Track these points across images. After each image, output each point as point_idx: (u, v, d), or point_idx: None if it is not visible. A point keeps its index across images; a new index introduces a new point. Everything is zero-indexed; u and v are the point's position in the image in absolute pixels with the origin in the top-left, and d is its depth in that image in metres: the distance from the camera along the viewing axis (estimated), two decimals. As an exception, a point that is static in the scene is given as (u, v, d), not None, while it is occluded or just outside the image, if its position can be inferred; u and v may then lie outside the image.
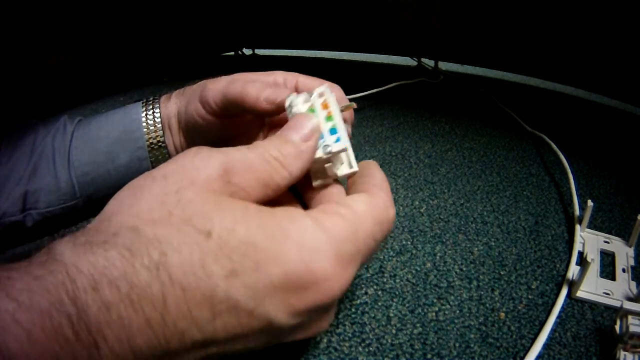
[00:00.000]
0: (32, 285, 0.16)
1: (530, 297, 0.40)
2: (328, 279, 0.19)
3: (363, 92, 0.79)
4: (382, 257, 0.45)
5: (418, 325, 0.37)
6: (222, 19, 1.06)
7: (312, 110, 0.25)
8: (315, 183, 0.25)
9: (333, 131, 0.25)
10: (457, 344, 0.35)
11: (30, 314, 0.15)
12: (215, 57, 1.16)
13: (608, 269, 0.43)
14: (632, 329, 0.32)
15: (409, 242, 0.47)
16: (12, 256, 0.40)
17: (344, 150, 0.24)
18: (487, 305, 0.39)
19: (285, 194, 0.24)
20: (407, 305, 0.39)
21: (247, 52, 1.17)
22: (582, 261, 0.40)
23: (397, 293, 0.41)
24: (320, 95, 0.26)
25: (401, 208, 0.53)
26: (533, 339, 0.36)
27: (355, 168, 0.25)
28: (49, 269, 0.16)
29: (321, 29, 1.05)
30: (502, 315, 0.38)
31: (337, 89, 0.29)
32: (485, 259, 0.45)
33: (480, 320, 0.38)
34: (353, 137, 0.25)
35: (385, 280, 0.42)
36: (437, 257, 0.45)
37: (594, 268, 0.42)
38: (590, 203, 0.45)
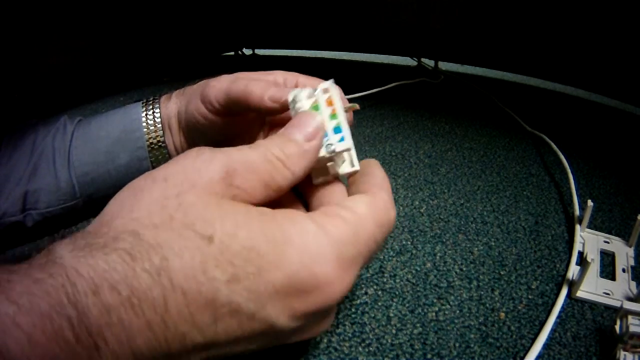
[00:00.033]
0: (32, 288, 0.16)
1: (530, 297, 0.40)
2: (330, 282, 0.19)
3: (363, 92, 0.79)
4: (382, 257, 0.45)
5: (418, 325, 0.37)
6: (222, 19, 1.06)
7: (315, 106, 0.25)
8: (316, 181, 0.25)
9: (337, 130, 0.24)
10: (457, 344, 0.35)
11: (30, 317, 0.15)
12: (215, 57, 1.16)
13: (608, 269, 0.43)
14: (632, 329, 0.32)
15: (409, 242, 0.47)
16: (12, 256, 0.40)
17: (348, 150, 0.24)
18: (487, 305, 0.39)
19: (286, 193, 0.24)
20: (407, 305, 0.39)
21: (247, 52, 1.17)
22: (582, 261, 0.40)
23: (397, 293, 0.41)
24: (325, 91, 0.25)
25: (401, 208, 0.53)
26: (533, 339, 0.36)
27: (357, 167, 0.25)
28: (48, 272, 0.16)
29: (321, 29, 1.05)
30: (502, 315, 0.38)
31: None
32: (485, 259, 0.45)
33: (480, 320, 0.38)
34: (353, 137, 0.25)
35: (385, 280, 0.42)
36: (437, 257, 0.45)
37: (594, 268, 0.42)
38: (590, 203, 0.45)
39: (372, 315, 0.38)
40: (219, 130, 0.31)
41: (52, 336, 0.15)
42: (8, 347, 0.14)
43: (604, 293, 0.40)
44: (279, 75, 0.30)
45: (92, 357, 0.16)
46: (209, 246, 0.18)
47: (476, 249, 0.46)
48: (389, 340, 0.36)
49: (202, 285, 0.17)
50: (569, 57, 0.79)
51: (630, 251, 0.45)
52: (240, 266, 0.18)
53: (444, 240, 0.47)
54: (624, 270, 0.42)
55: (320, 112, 0.24)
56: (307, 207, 0.26)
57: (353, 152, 0.25)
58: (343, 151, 0.24)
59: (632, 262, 0.44)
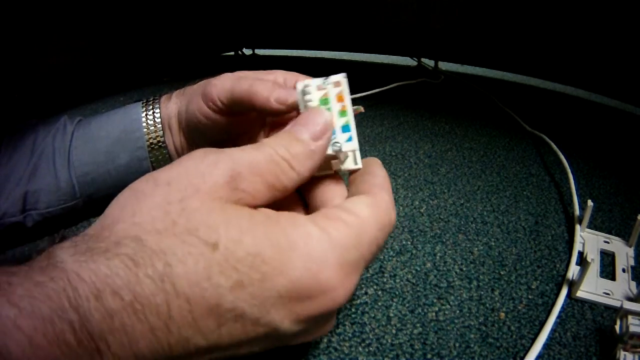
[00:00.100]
0: (33, 292, 0.16)
1: (530, 297, 0.40)
2: (334, 287, 0.19)
3: (363, 92, 0.79)
4: (382, 257, 0.45)
5: (418, 325, 0.37)
6: (222, 19, 1.06)
7: (325, 100, 0.24)
8: (316, 174, 0.24)
9: (345, 128, 0.24)
10: (457, 344, 0.35)
11: (31, 320, 0.15)
12: (215, 57, 1.16)
13: (608, 269, 0.43)
14: (632, 329, 0.32)
15: (409, 242, 0.47)
16: (12, 257, 0.40)
17: (354, 150, 0.24)
18: (487, 305, 0.39)
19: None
20: (407, 305, 0.39)
21: (247, 52, 1.17)
22: (582, 261, 0.40)
23: (397, 293, 0.41)
24: (336, 84, 0.24)
25: (401, 208, 0.53)
26: (533, 339, 0.36)
27: (360, 165, 0.25)
28: (49, 275, 0.16)
29: (321, 29, 1.05)
30: (502, 315, 0.38)
31: None
32: (485, 259, 0.45)
33: (480, 320, 0.38)
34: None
35: (385, 280, 0.42)
36: (437, 257, 0.45)
37: (594, 268, 0.42)
38: (590, 203, 0.45)
39: (372, 315, 0.38)
40: (220, 129, 0.31)
41: (54, 339, 0.15)
42: (9, 349, 0.14)
43: (604, 293, 0.40)
44: (279, 75, 0.30)
45: None
46: (213, 253, 0.18)
47: (476, 249, 0.46)
48: (389, 340, 0.36)
49: (206, 292, 0.17)
50: (569, 57, 0.79)
51: (630, 251, 0.45)
52: (245, 272, 0.18)
53: (444, 240, 0.47)
54: (624, 270, 0.42)
55: (329, 107, 0.24)
56: (306, 204, 0.26)
57: (357, 151, 0.25)
58: (349, 151, 0.24)
59: (632, 262, 0.44)
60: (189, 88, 0.33)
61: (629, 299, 0.38)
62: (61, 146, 0.33)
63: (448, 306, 0.39)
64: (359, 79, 0.96)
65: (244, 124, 0.31)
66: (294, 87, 0.29)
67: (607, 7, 0.69)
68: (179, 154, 0.34)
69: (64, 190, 0.33)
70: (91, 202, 0.34)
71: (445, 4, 0.88)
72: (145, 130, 0.33)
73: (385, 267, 0.44)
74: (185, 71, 1.04)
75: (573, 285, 0.40)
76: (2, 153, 0.34)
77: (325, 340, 0.36)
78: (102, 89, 0.93)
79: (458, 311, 0.39)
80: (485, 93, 0.86)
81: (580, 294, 0.40)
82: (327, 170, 0.25)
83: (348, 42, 1.05)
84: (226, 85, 0.28)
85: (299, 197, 0.26)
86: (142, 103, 0.34)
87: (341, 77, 0.24)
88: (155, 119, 0.33)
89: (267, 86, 0.27)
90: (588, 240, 0.46)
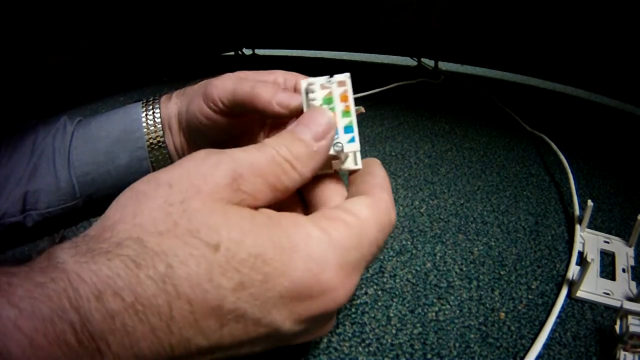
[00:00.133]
0: (33, 292, 0.16)
1: (530, 297, 0.40)
2: (335, 288, 0.19)
3: (363, 92, 0.79)
4: (382, 257, 0.45)
5: (418, 325, 0.37)
6: (222, 19, 1.06)
7: (329, 99, 0.24)
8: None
9: (348, 129, 0.23)
10: (457, 344, 0.36)
11: (32, 320, 0.15)
12: (215, 57, 1.16)
13: (608, 269, 0.43)
14: (632, 329, 0.32)
15: (409, 242, 0.47)
16: (12, 257, 0.40)
17: (356, 151, 0.24)
18: (487, 305, 0.39)
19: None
20: (407, 305, 0.39)
21: (247, 52, 1.17)
22: (582, 261, 0.40)
23: (397, 293, 0.41)
24: (340, 84, 0.24)
25: (401, 208, 0.53)
26: (533, 339, 0.36)
27: (360, 166, 0.25)
28: (50, 276, 0.16)
29: (321, 29, 1.05)
30: (502, 315, 0.38)
31: None
32: (485, 259, 0.45)
33: (480, 320, 0.38)
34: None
35: (385, 280, 0.42)
36: (437, 257, 0.45)
37: (594, 268, 0.42)
38: (590, 203, 0.45)
39: (372, 315, 0.38)
40: (221, 130, 0.31)
41: (54, 340, 0.15)
42: (9, 350, 0.14)
43: (604, 293, 0.40)
44: (279, 75, 0.30)
45: None
46: (215, 254, 0.18)
47: (476, 249, 0.46)
48: (389, 340, 0.36)
49: (208, 293, 0.17)
50: (569, 57, 0.79)
51: (630, 251, 0.45)
52: (247, 273, 0.18)
53: (444, 240, 0.47)
54: (624, 270, 0.42)
55: (332, 106, 0.23)
56: (305, 203, 0.26)
57: (358, 152, 0.25)
58: (351, 152, 0.24)
59: (632, 262, 0.44)
60: (189, 88, 0.33)
61: (629, 299, 0.38)
62: (61, 146, 0.33)
63: (448, 306, 0.39)
64: (359, 79, 0.96)
65: (245, 124, 0.31)
66: (295, 90, 0.30)
67: (607, 7, 0.69)
68: (179, 154, 0.34)
69: (64, 190, 0.33)
70: (91, 202, 0.34)
71: (445, 4, 0.88)
72: (145, 130, 0.33)
73: (385, 267, 0.44)
74: (185, 71, 1.04)
75: (573, 285, 0.40)
76: (2, 153, 0.34)
77: (325, 340, 0.36)
78: (102, 89, 0.93)
79: (458, 311, 0.39)
80: (485, 93, 0.86)
81: (580, 294, 0.40)
82: (327, 169, 0.25)
83: (348, 42, 1.05)
84: (227, 86, 0.28)
85: (297, 196, 0.26)
86: (142, 103, 0.34)
87: (345, 77, 0.24)
88: (155, 119, 0.33)
89: (270, 89, 0.27)
90: (588, 240, 0.46)
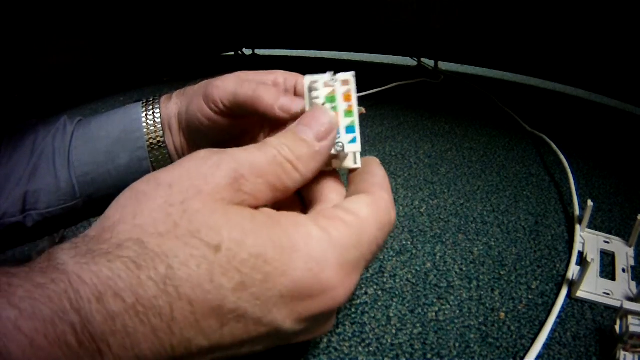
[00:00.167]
0: (33, 293, 0.16)
1: (530, 297, 0.40)
2: (334, 287, 0.19)
3: (363, 92, 0.79)
4: (382, 257, 0.45)
5: (418, 325, 0.37)
6: (222, 19, 1.06)
7: (332, 97, 0.23)
8: None
9: (350, 129, 0.23)
10: (457, 344, 0.36)
11: (32, 321, 0.15)
12: (215, 57, 1.16)
13: (608, 269, 0.43)
14: (632, 329, 0.32)
15: (409, 242, 0.47)
16: (12, 257, 0.40)
17: (357, 152, 0.24)
18: (487, 305, 0.39)
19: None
20: (407, 305, 0.39)
21: (247, 52, 1.17)
22: (582, 261, 0.40)
23: (397, 293, 0.41)
24: (344, 82, 0.23)
25: (401, 208, 0.53)
26: (533, 339, 0.36)
27: (359, 165, 0.25)
28: (50, 277, 0.16)
29: (321, 29, 1.05)
30: (502, 315, 0.38)
31: None
32: (485, 259, 0.45)
33: (480, 320, 0.38)
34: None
35: (385, 280, 0.42)
36: (437, 257, 0.45)
37: (594, 268, 0.42)
38: (590, 203, 0.45)
39: (372, 315, 0.38)
40: (221, 130, 0.31)
41: (55, 341, 0.15)
42: (10, 351, 0.14)
43: (604, 293, 0.40)
44: (279, 75, 0.30)
45: None
46: (216, 254, 0.18)
47: (476, 249, 0.46)
48: (389, 340, 0.36)
49: (209, 294, 0.17)
50: (569, 57, 0.79)
51: (630, 251, 0.45)
52: (248, 273, 0.18)
53: (444, 240, 0.47)
54: (624, 270, 0.42)
55: (335, 105, 0.23)
56: (302, 200, 0.26)
57: (358, 152, 0.25)
58: (351, 152, 0.24)
59: (632, 262, 0.44)
60: (190, 88, 0.33)
61: (629, 299, 0.38)
62: (61, 146, 0.33)
63: (448, 306, 0.39)
64: (359, 78, 0.96)
65: (245, 124, 0.31)
66: (295, 91, 0.30)
67: (607, 7, 0.69)
68: (179, 154, 0.34)
69: (64, 190, 0.33)
70: (91, 202, 0.34)
71: (445, 4, 0.88)
72: (145, 130, 0.33)
73: (385, 267, 0.44)
74: (185, 71, 1.04)
75: (573, 285, 0.40)
76: (2, 153, 0.34)
77: (325, 340, 0.36)
78: (102, 89, 0.93)
79: (458, 311, 0.39)
80: (485, 93, 0.86)
81: (580, 294, 0.40)
82: (326, 167, 0.25)
83: (348, 42, 1.05)
84: (229, 87, 0.28)
85: (296, 195, 0.26)
86: (142, 103, 0.34)
87: (350, 76, 0.24)
88: (155, 119, 0.33)
89: (272, 92, 0.27)
90: (588, 240, 0.46)
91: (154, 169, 0.33)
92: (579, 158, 0.63)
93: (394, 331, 0.37)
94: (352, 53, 1.12)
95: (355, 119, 0.24)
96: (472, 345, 0.35)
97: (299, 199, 0.26)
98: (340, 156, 0.24)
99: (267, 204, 0.21)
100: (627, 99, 0.77)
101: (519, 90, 0.91)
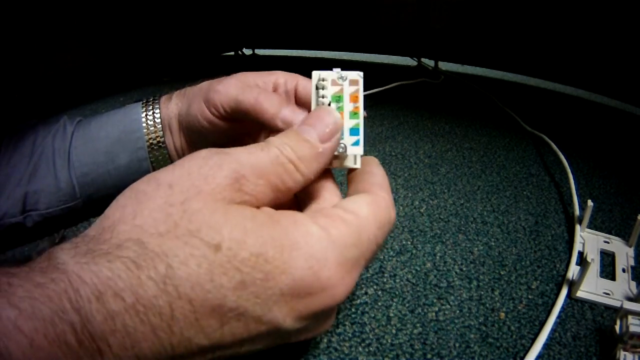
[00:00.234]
0: (33, 293, 0.16)
1: (530, 297, 0.40)
2: (334, 285, 0.19)
3: (363, 92, 0.79)
4: (382, 257, 0.45)
5: (418, 325, 0.37)
6: (222, 19, 1.06)
7: (339, 97, 0.23)
8: None
9: (354, 131, 0.23)
10: (457, 344, 0.36)
11: (32, 321, 0.15)
12: (215, 57, 1.16)
13: (608, 269, 0.43)
14: (632, 329, 0.32)
15: (409, 242, 0.47)
16: (12, 257, 0.40)
17: (359, 154, 0.24)
18: (487, 305, 0.39)
19: None
20: (407, 305, 0.39)
21: (247, 52, 1.17)
22: (582, 261, 0.40)
23: (397, 293, 0.41)
24: (353, 82, 0.23)
25: (401, 208, 0.53)
26: (533, 339, 0.36)
27: (359, 165, 0.25)
28: (50, 276, 0.16)
29: (321, 29, 1.05)
30: (502, 315, 0.38)
31: None
32: (485, 259, 0.45)
33: (480, 320, 0.38)
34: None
35: (385, 280, 0.42)
36: (437, 257, 0.45)
37: (594, 268, 0.42)
38: (590, 203, 0.45)
39: (372, 315, 0.38)
40: (222, 133, 0.31)
41: (54, 340, 0.15)
42: (9, 350, 0.15)
43: (604, 293, 0.40)
44: (279, 76, 0.30)
45: None
46: (216, 254, 0.18)
47: (476, 249, 0.46)
48: (389, 340, 0.36)
49: (209, 293, 0.17)
50: (569, 57, 0.79)
51: (630, 251, 0.45)
52: (248, 272, 0.18)
53: (444, 240, 0.47)
54: (624, 270, 0.42)
55: (341, 105, 0.23)
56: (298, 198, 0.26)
57: (359, 154, 0.25)
58: (353, 154, 0.24)
59: (632, 262, 0.44)
60: (190, 89, 0.33)
61: (629, 299, 0.38)
62: (61, 146, 0.33)
63: (448, 306, 0.39)
64: (359, 79, 0.96)
65: (246, 127, 0.31)
66: (296, 92, 0.30)
67: (607, 7, 0.69)
68: (179, 155, 0.34)
69: (64, 190, 0.33)
70: (91, 202, 0.34)
71: (445, 4, 0.88)
72: (145, 130, 0.33)
73: (385, 267, 0.44)
74: (185, 71, 1.04)
75: (573, 285, 0.40)
76: (2, 153, 0.34)
77: (325, 340, 0.36)
78: (102, 89, 0.93)
79: (458, 311, 0.39)
80: (485, 93, 0.86)
81: (580, 294, 0.40)
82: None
83: (348, 42, 1.05)
84: (230, 93, 0.28)
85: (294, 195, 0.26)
86: (142, 103, 0.34)
87: (359, 76, 0.23)
88: (155, 119, 0.33)
89: (275, 102, 0.27)
90: (588, 240, 0.46)
91: (154, 169, 0.33)
92: (579, 158, 0.63)
93: (394, 331, 0.37)
94: (352, 53, 1.12)
95: (361, 121, 0.23)
96: (472, 345, 0.35)
97: (294, 197, 0.26)
98: (340, 156, 0.24)
99: (268, 204, 0.21)
100: (627, 99, 0.77)
101: (519, 90, 0.91)
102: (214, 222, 0.18)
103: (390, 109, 0.81)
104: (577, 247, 0.45)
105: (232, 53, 1.16)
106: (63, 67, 0.85)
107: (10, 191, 0.32)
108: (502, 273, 0.43)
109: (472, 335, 0.36)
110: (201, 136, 0.31)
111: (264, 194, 0.21)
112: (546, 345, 0.35)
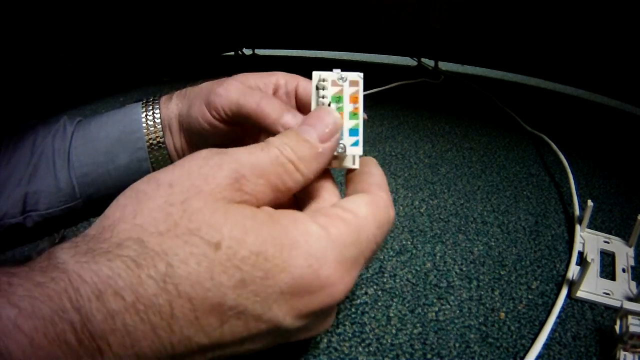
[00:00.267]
0: (33, 292, 0.16)
1: (530, 297, 0.40)
2: (333, 283, 0.20)
3: (364, 91, 0.79)
4: (382, 257, 0.45)
5: (418, 325, 0.37)
6: (222, 19, 1.06)
7: (339, 97, 0.23)
8: None
9: (353, 132, 0.23)
10: (457, 344, 0.36)
11: (32, 320, 0.15)
12: (215, 57, 1.16)
13: (608, 269, 0.43)
14: (632, 329, 0.32)
15: (409, 242, 0.47)
16: (12, 257, 0.40)
17: (358, 155, 0.24)
18: (487, 305, 0.39)
19: None
20: (407, 305, 0.39)
21: (247, 52, 1.17)
22: (582, 261, 0.40)
23: (397, 293, 0.41)
24: (353, 83, 0.23)
25: (401, 208, 0.53)
26: (533, 339, 0.36)
27: (357, 166, 0.25)
28: (50, 276, 0.16)
29: (321, 29, 1.05)
30: (502, 315, 0.38)
31: None
32: (485, 259, 0.45)
33: (480, 320, 0.38)
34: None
35: (385, 280, 0.42)
36: (437, 257, 0.45)
37: (594, 268, 0.42)
38: (590, 203, 0.45)
39: (372, 315, 0.38)
40: (222, 135, 0.31)
41: (54, 340, 0.15)
42: (9, 350, 0.15)
43: (604, 293, 0.40)
44: (280, 77, 0.30)
45: None
46: (216, 252, 0.18)
47: (476, 249, 0.46)
48: (389, 340, 0.36)
49: (209, 291, 0.18)
50: (569, 57, 0.79)
51: (630, 251, 0.45)
52: (248, 271, 0.18)
53: (444, 240, 0.47)
54: (624, 270, 0.42)
55: (341, 105, 0.23)
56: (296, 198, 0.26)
57: (358, 155, 0.25)
58: (352, 155, 0.24)
59: (632, 262, 0.44)
60: (190, 90, 0.33)
61: (629, 299, 0.38)
62: (61, 147, 0.33)
63: (448, 306, 0.39)
64: (359, 79, 0.96)
65: (247, 129, 0.31)
66: (296, 93, 0.30)
67: (607, 7, 0.69)
68: (179, 155, 0.34)
69: (64, 191, 0.33)
70: (91, 202, 0.34)
71: (445, 4, 0.88)
72: (145, 130, 0.33)
73: (385, 267, 0.44)
74: (185, 71, 1.04)
75: (573, 285, 0.40)
76: (2, 153, 0.34)
77: (325, 340, 0.36)
78: (102, 89, 0.93)
79: (458, 311, 0.39)
80: (485, 93, 0.86)
81: (580, 294, 0.40)
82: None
83: (348, 42, 1.05)
84: (232, 97, 0.28)
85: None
86: (142, 103, 0.34)
87: (359, 77, 0.24)
88: (155, 119, 0.33)
89: (276, 108, 0.27)
90: (588, 240, 0.46)
91: (154, 170, 0.33)
92: (579, 158, 0.63)
93: (394, 331, 0.37)
94: (352, 53, 1.12)
95: (360, 122, 0.24)
96: (472, 345, 0.35)
97: (294, 197, 0.26)
98: (339, 157, 0.24)
99: (268, 204, 0.21)
100: (627, 99, 0.77)
101: (519, 90, 0.91)
102: (214, 221, 0.18)
103: (390, 109, 0.81)
104: (577, 247, 0.45)
105: (232, 53, 1.16)
106: (63, 67, 0.85)
107: (10, 191, 0.32)
108: (502, 273, 0.43)
109: (472, 335, 0.36)
110: (202, 138, 0.31)
111: (264, 194, 0.21)
112: (546, 345, 0.35)
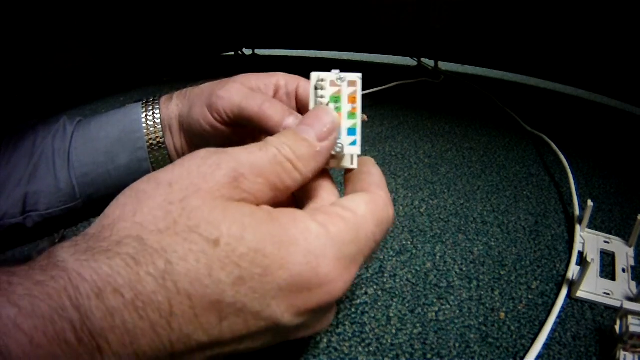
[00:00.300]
0: (33, 291, 0.16)
1: (530, 297, 0.40)
2: (332, 280, 0.20)
3: (363, 91, 0.79)
4: (382, 257, 0.45)
5: (418, 325, 0.37)
6: (222, 19, 1.06)
7: (337, 97, 0.24)
8: None
9: (351, 131, 0.23)
10: (457, 344, 0.36)
11: (32, 319, 0.15)
12: (215, 57, 1.16)
13: (608, 269, 0.43)
14: (632, 329, 0.32)
15: (409, 242, 0.47)
16: (12, 257, 0.40)
17: (356, 154, 0.24)
18: (487, 305, 0.39)
19: None
20: (407, 305, 0.39)
21: (247, 52, 1.17)
22: (582, 261, 0.40)
23: (397, 293, 0.41)
24: (351, 84, 0.24)
25: (401, 208, 0.53)
26: (533, 339, 0.36)
27: (355, 166, 0.25)
28: (50, 274, 0.16)
29: (321, 29, 1.05)
30: (502, 315, 0.38)
31: None
32: (485, 259, 0.45)
33: (480, 320, 0.38)
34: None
35: (385, 280, 0.42)
36: (437, 257, 0.45)
37: (594, 268, 0.42)
38: (590, 203, 0.45)
39: (372, 315, 0.38)
40: (224, 137, 0.31)
41: (54, 338, 0.15)
42: (9, 349, 0.15)
43: (604, 293, 0.40)
44: (280, 78, 0.30)
45: (94, 358, 0.16)
46: (215, 249, 0.18)
47: (476, 249, 0.46)
48: (389, 340, 0.36)
49: (208, 288, 0.18)
50: (569, 57, 0.79)
51: (630, 251, 0.45)
52: (246, 268, 0.18)
53: (444, 240, 0.47)
54: (624, 270, 0.42)
55: (339, 105, 0.23)
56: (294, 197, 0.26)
57: (356, 154, 0.25)
58: (350, 154, 0.24)
59: (632, 262, 0.44)
60: (191, 90, 0.33)
61: (629, 299, 0.38)
62: (61, 147, 0.33)
63: (448, 306, 0.39)
64: (359, 79, 0.96)
65: (248, 131, 0.31)
66: (296, 94, 0.30)
67: (607, 7, 0.69)
68: (179, 155, 0.34)
69: (64, 191, 0.33)
70: (91, 202, 0.34)
71: (445, 4, 0.88)
72: (145, 130, 0.33)
73: (385, 267, 0.44)
74: (185, 71, 1.04)
75: (573, 285, 0.40)
76: (2, 153, 0.34)
77: (325, 340, 0.36)
78: (102, 89, 0.93)
79: (458, 311, 0.39)
80: (485, 93, 0.86)
81: (580, 294, 0.40)
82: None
83: (348, 42, 1.05)
84: (234, 99, 0.28)
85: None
86: (142, 103, 0.34)
87: (357, 77, 0.24)
88: (155, 119, 0.33)
89: (279, 110, 0.27)
90: (588, 240, 0.46)
91: (154, 170, 0.33)
92: (579, 158, 0.63)
93: (394, 331, 0.37)
94: (352, 53, 1.12)
95: (358, 122, 0.24)
96: (472, 345, 0.35)
97: (293, 195, 0.26)
98: (338, 156, 0.24)
99: (267, 203, 0.21)
100: (627, 99, 0.77)
101: (519, 90, 0.91)
102: (212, 219, 0.19)
103: (390, 109, 0.81)
104: (577, 247, 0.45)
105: (232, 53, 1.16)
106: (63, 67, 0.85)
107: (10, 191, 0.32)
108: (502, 273, 0.43)
109: (472, 335, 0.36)
110: (202, 139, 0.31)
111: (263, 193, 0.21)
112: (546, 345, 0.35)
